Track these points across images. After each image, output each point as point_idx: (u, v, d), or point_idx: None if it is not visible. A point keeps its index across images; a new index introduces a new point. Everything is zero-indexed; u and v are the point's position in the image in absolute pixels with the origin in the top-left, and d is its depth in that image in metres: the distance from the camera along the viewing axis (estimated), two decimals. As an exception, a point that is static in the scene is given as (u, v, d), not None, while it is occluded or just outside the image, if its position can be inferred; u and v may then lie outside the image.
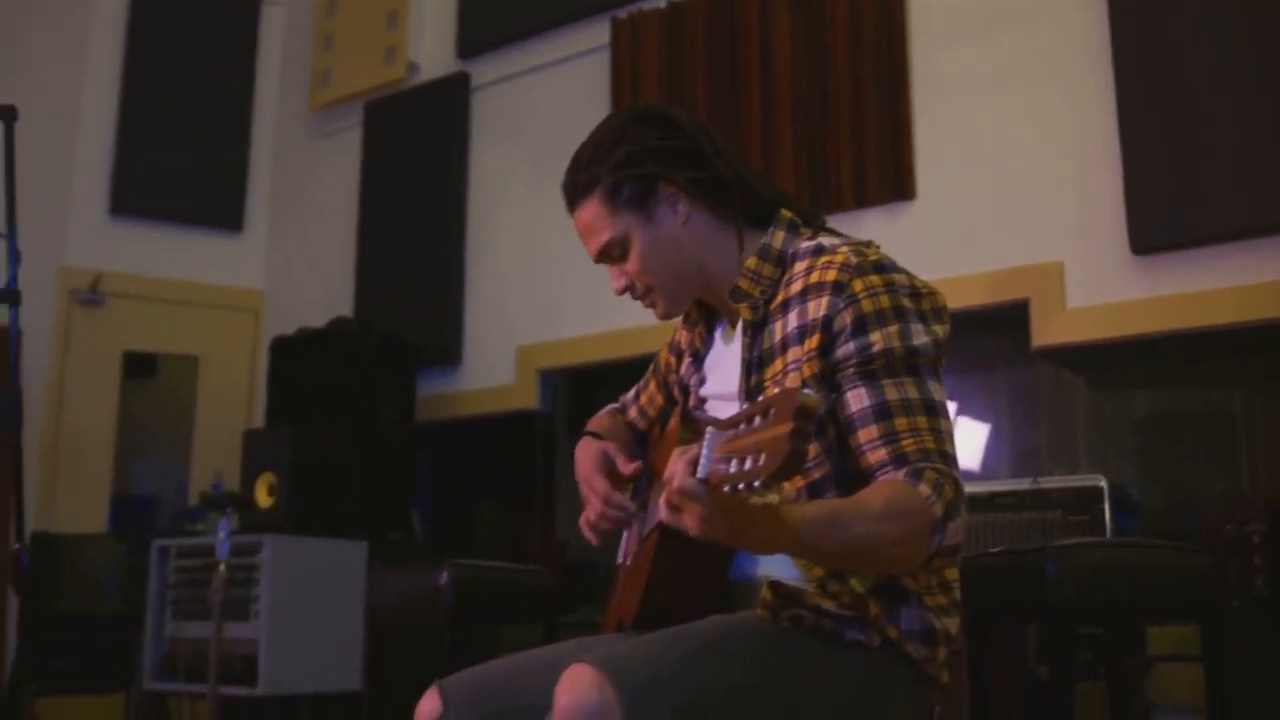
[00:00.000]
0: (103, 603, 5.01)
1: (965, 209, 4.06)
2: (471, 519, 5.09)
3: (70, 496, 5.85)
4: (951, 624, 1.71)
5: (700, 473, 1.34)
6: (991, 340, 4.08)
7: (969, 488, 2.07)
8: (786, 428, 1.22)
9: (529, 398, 5.07)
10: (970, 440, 3.98)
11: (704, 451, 1.34)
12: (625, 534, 2.04)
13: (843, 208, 4.21)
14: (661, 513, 1.42)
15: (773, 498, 1.30)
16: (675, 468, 1.37)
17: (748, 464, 1.26)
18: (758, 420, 1.27)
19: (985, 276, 3.95)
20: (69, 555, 5.13)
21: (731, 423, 1.31)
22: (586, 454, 2.00)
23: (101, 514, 5.89)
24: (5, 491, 2.27)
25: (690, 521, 1.38)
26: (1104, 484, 3.11)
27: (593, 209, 1.80)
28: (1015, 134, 4.01)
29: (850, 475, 1.67)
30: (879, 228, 4.11)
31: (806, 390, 1.23)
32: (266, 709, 4.08)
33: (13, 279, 2.38)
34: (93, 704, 5.25)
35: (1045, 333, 3.86)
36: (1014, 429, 4.17)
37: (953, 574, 1.72)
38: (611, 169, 1.77)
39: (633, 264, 1.80)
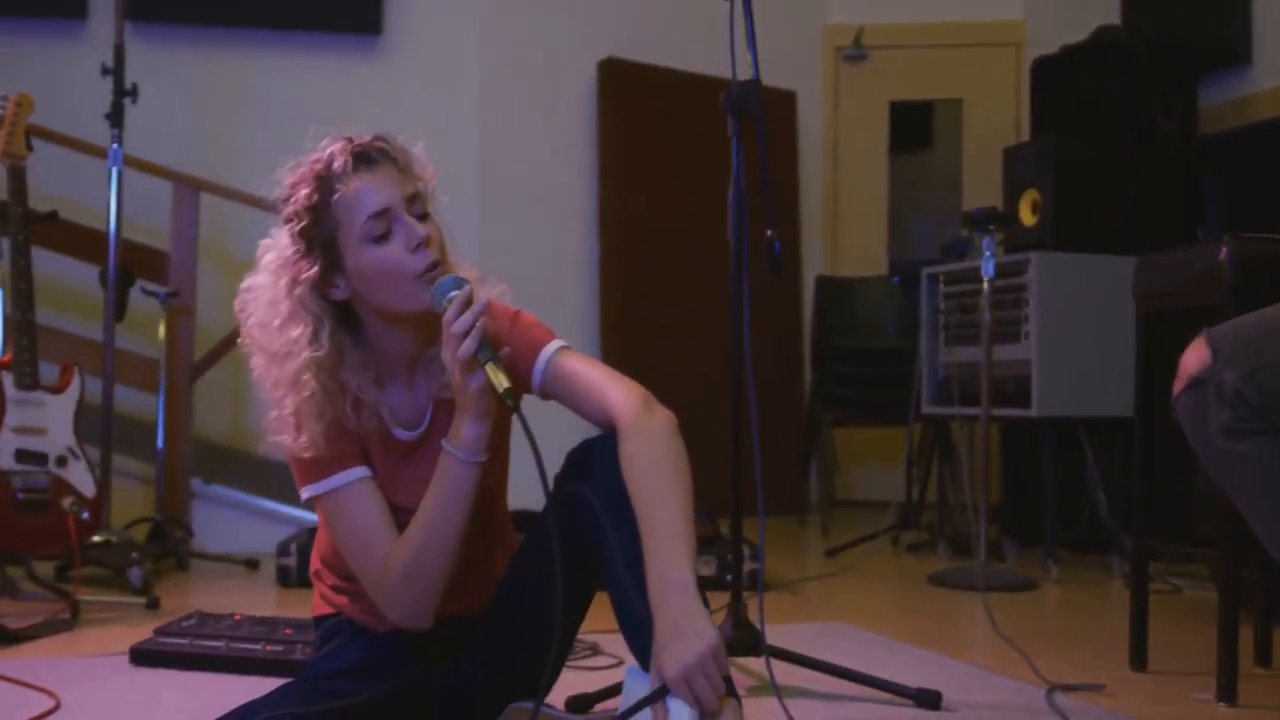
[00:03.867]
0: (883, 338, 5.18)
1: None
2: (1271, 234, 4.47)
3: (851, 243, 6.09)
4: None
5: None
6: None
7: None
8: None
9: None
10: None
11: None
12: None
13: None
14: None
15: None
16: None
17: None
18: None
19: None
20: (850, 295, 5.36)
21: None
22: None
23: (881, 260, 6.07)
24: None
25: None
26: None
27: None
28: None
29: None
30: None
31: None
32: (1043, 430, 3.94)
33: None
34: (880, 435, 5.51)
35: None
36: None
37: None
38: None
39: None
